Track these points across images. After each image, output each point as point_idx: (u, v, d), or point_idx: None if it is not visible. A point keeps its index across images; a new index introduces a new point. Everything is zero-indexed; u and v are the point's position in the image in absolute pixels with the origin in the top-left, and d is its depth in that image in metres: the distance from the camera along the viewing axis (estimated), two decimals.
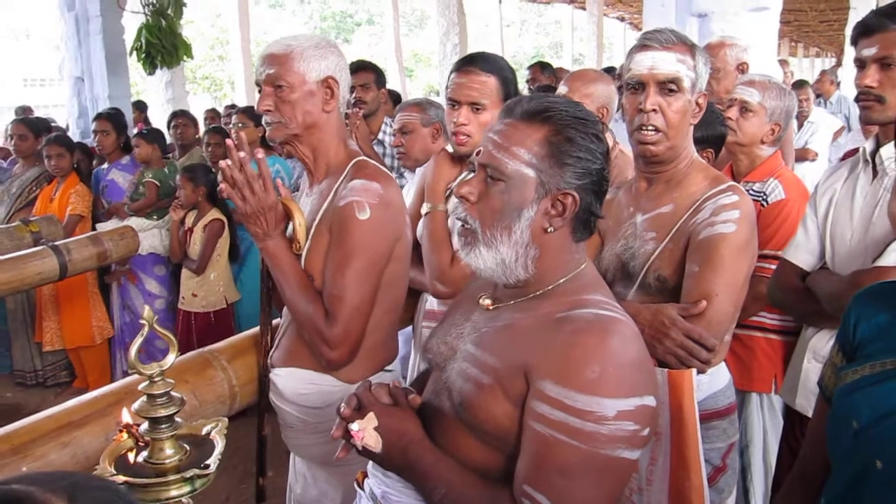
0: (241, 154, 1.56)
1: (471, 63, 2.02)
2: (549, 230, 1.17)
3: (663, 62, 1.65)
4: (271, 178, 1.60)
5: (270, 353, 1.80)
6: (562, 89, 2.55)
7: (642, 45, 1.69)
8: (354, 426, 1.17)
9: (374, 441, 1.16)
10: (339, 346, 1.59)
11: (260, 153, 1.59)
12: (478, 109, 1.95)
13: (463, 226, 1.21)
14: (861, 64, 1.74)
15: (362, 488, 1.30)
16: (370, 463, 1.27)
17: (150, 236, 4.38)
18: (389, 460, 1.19)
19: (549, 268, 1.20)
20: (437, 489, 1.15)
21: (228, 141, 1.59)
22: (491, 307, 1.26)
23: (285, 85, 1.64)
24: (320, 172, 1.73)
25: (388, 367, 1.76)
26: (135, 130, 5.46)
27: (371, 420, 1.17)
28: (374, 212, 1.58)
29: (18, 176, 4.70)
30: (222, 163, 1.57)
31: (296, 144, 1.70)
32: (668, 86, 1.65)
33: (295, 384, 1.70)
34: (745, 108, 2.37)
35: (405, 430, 1.18)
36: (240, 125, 4.45)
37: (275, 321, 1.88)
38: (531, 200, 1.16)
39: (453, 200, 1.98)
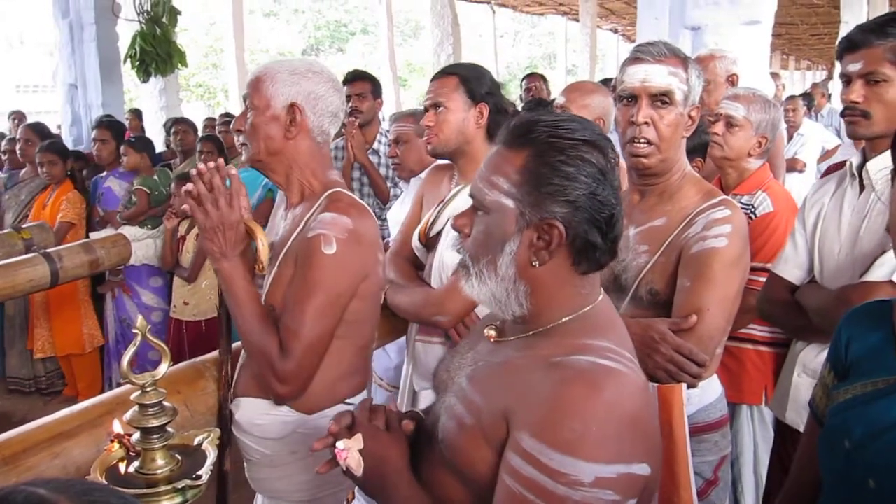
0: (211, 165, 1.53)
1: (438, 73, 2.13)
2: (534, 264, 1.07)
3: (655, 75, 1.66)
4: (239, 197, 1.55)
5: (233, 382, 1.76)
6: (560, 100, 2.59)
7: (635, 58, 1.70)
8: (340, 444, 1.13)
9: (356, 463, 1.13)
10: (289, 381, 1.55)
11: (232, 170, 1.56)
12: (439, 109, 2.04)
13: (461, 257, 1.16)
14: (847, 79, 1.76)
15: None
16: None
17: (144, 247, 4.33)
18: (368, 485, 1.15)
19: (547, 304, 1.10)
20: None
21: (211, 163, 1.55)
22: (493, 339, 1.19)
23: (251, 108, 1.64)
24: (294, 198, 1.70)
25: (349, 401, 1.68)
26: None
27: (357, 441, 1.13)
28: (341, 247, 1.53)
29: (27, 182, 4.71)
30: (193, 171, 1.54)
31: (264, 169, 1.69)
32: (661, 98, 1.66)
33: (252, 414, 1.66)
34: (730, 123, 2.39)
35: (387, 456, 1.13)
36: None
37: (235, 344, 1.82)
38: (512, 233, 1.07)
39: (452, 209, 2.00)
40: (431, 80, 2.12)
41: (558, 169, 1.04)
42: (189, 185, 1.53)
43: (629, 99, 1.70)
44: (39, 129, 4.88)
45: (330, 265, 1.53)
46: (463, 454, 1.07)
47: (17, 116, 7.44)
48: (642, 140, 1.68)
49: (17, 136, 5.01)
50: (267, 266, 1.62)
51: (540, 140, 1.06)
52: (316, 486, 1.63)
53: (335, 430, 1.15)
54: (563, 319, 1.09)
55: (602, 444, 0.94)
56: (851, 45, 1.73)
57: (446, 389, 1.19)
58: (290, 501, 1.70)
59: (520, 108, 5.23)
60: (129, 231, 4.21)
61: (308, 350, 1.54)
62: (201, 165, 1.53)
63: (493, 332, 1.19)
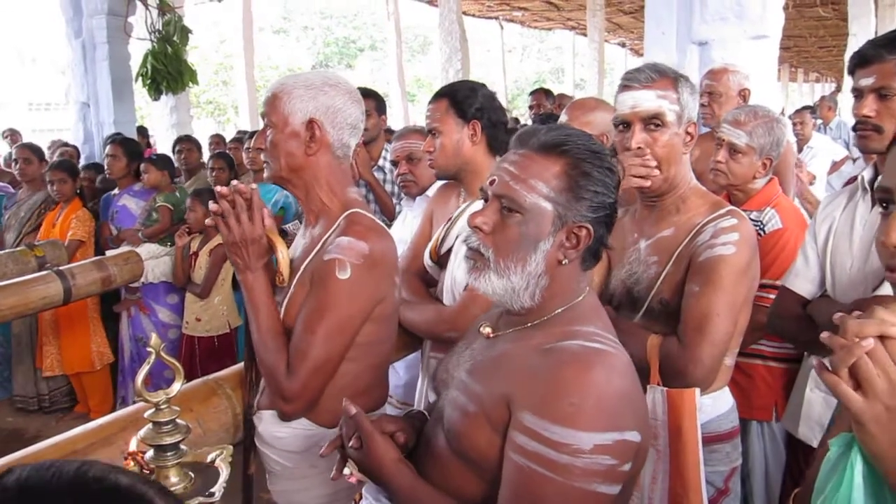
0: (234, 183, 1.56)
1: (433, 96, 2.16)
2: (563, 262, 1.18)
3: (644, 100, 1.69)
4: (261, 211, 1.58)
5: (258, 394, 1.77)
6: (562, 118, 2.58)
7: (624, 86, 1.75)
8: (346, 471, 1.28)
9: (363, 478, 1.28)
10: (293, 400, 1.56)
11: (253, 185, 1.58)
12: (434, 134, 2.09)
13: (474, 252, 1.21)
14: (858, 94, 1.76)
15: None
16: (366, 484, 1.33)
17: (162, 264, 4.31)
18: (380, 487, 1.27)
19: (553, 297, 1.20)
20: None
21: (233, 182, 1.58)
22: (490, 336, 1.28)
23: (270, 125, 1.63)
24: (312, 216, 1.70)
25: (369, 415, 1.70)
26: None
27: (352, 465, 1.28)
28: (355, 272, 1.53)
29: (25, 200, 4.72)
30: (219, 189, 1.57)
31: (286, 185, 1.68)
32: (653, 122, 1.69)
33: (274, 428, 1.68)
34: (733, 150, 2.36)
35: (379, 462, 1.24)
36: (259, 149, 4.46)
37: None
38: (548, 233, 1.16)
39: (461, 226, 2.01)
40: (428, 103, 2.15)
41: (596, 179, 1.17)
42: (213, 205, 1.57)
43: (623, 125, 1.74)
44: (35, 148, 4.88)
45: (343, 290, 1.53)
46: (469, 440, 1.16)
47: (11, 135, 7.50)
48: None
49: (14, 156, 4.99)
50: (287, 278, 1.64)
51: (577, 151, 1.17)
52: (335, 499, 1.64)
53: (327, 454, 1.30)
54: (558, 310, 1.20)
55: (597, 416, 1.05)
56: (863, 60, 1.74)
57: (447, 386, 1.28)
58: None
59: (531, 123, 5.24)
60: (148, 248, 4.22)
61: (314, 372, 1.55)
62: (223, 188, 1.56)
63: (488, 330, 1.29)
